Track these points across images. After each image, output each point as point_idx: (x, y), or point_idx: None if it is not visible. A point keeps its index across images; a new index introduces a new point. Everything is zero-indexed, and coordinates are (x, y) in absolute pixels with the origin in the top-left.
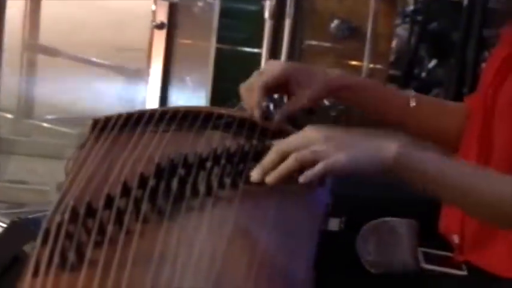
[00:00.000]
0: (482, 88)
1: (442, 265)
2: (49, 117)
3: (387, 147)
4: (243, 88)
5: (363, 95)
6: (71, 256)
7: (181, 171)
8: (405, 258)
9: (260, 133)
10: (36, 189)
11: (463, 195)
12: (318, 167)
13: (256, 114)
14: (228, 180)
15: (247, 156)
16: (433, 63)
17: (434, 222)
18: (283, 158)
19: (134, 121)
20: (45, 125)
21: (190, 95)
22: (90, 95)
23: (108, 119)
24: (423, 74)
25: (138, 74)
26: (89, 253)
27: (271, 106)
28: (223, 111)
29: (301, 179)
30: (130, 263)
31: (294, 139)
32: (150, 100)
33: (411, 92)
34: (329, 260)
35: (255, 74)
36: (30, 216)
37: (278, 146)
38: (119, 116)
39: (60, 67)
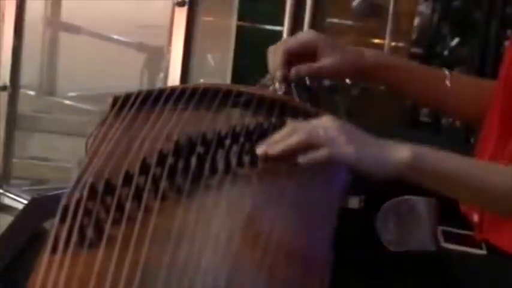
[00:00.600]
0: (503, 68)
1: (462, 244)
2: (71, 94)
3: (400, 153)
4: (270, 50)
5: (399, 75)
6: (90, 233)
7: (199, 149)
8: (425, 236)
9: (279, 111)
10: (58, 166)
11: (480, 195)
12: (322, 152)
13: (277, 75)
14: (246, 158)
15: (266, 134)
16: (455, 41)
17: (455, 200)
18: (291, 133)
19: (154, 98)
20: (66, 102)
21: (211, 72)
22: (112, 72)
23: (128, 96)
24: (445, 52)
25: (160, 51)
26: (107, 230)
27: (293, 85)
28: (242, 89)
29: (301, 159)
30: (148, 241)
31: (310, 123)
32: (171, 78)
33: (445, 71)
34: (348, 238)
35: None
36: (50, 193)
37: (293, 124)
38: (139, 93)
39: (82, 44)
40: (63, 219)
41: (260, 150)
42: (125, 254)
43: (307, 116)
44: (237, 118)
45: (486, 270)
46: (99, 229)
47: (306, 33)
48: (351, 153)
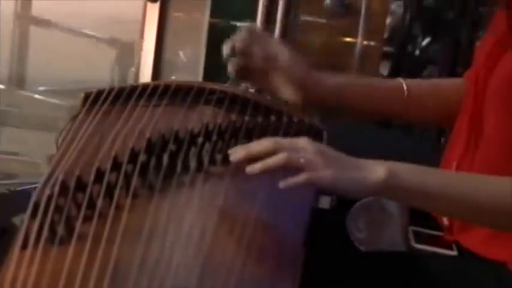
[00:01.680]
0: (474, 70)
1: (432, 245)
2: (41, 88)
3: (375, 172)
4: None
5: (358, 99)
6: (60, 230)
7: (172, 146)
8: (395, 237)
9: (252, 109)
10: (27, 161)
11: (461, 207)
12: (303, 176)
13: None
14: (219, 157)
15: (238, 132)
16: (426, 40)
17: None
18: (272, 152)
19: (126, 95)
20: (36, 96)
21: (182, 68)
22: (83, 67)
23: (100, 92)
24: (417, 52)
25: (131, 46)
26: (78, 227)
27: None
28: (215, 86)
29: (282, 184)
30: (120, 238)
31: (289, 141)
32: (143, 73)
33: (402, 83)
34: (319, 237)
35: None
36: (19, 188)
37: (273, 141)
38: (111, 89)
39: (52, 39)
40: (33, 215)
41: (236, 157)
42: (96, 251)
43: (279, 114)
44: (209, 116)
45: (456, 270)
46: (69, 226)
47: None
48: (329, 177)
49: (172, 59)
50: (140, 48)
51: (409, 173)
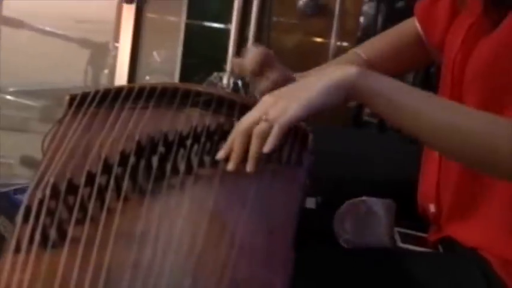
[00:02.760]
0: (449, 56)
1: (419, 245)
2: (12, 89)
3: (345, 71)
4: (249, 48)
5: None
6: (52, 233)
7: (161, 149)
8: (382, 237)
9: (239, 111)
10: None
11: (425, 121)
12: (274, 129)
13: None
14: (208, 159)
15: (227, 134)
16: None
17: (411, 203)
18: (247, 137)
19: (112, 97)
20: (8, 97)
21: (157, 70)
22: (54, 68)
23: (85, 95)
24: None
25: (105, 47)
26: (70, 231)
27: (240, 83)
28: (200, 88)
29: (265, 148)
30: (112, 242)
31: (250, 112)
32: (119, 74)
33: (354, 50)
34: (305, 237)
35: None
36: None
37: (238, 128)
38: (96, 91)
39: (23, 39)
40: (26, 219)
41: (231, 166)
42: (89, 255)
43: None
44: (197, 118)
45: (440, 267)
46: (61, 229)
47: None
48: (295, 107)
49: (147, 60)
50: (114, 49)
51: (383, 78)
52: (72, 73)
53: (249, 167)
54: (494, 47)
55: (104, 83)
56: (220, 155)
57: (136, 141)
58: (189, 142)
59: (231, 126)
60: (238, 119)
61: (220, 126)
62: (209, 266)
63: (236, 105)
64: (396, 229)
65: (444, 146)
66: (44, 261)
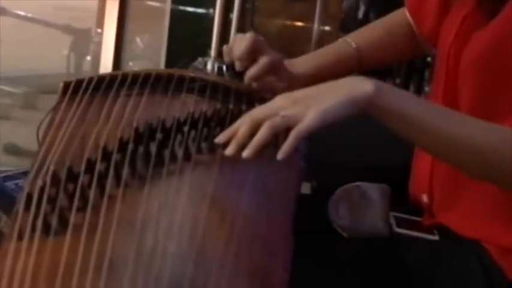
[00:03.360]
0: (443, 49)
1: (414, 229)
2: None
3: (362, 87)
4: (237, 37)
5: (323, 73)
6: (54, 221)
7: (159, 135)
8: (377, 222)
9: (235, 97)
10: None
11: (441, 139)
12: (291, 137)
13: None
14: (206, 145)
15: (224, 120)
16: None
17: (406, 188)
18: (255, 128)
19: (106, 84)
20: None
21: (141, 56)
22: (35, 54)
23: (79, 82)
24: None
25: (87, 33)
26: (72, 218)
27: (224, 68)
28: (194, 74)
29: (279, 155)
30: (114, 229)
31: (264, 107)
32: (104, 61)
33: (345, 39)
34: (301, 223)
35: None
36: None
37: (249, 117)
38: (91, 78)
39: (4, 25)
40: (27, 207)
41: (230, 151)
42: (91, 242)
43: (263, 102)
44: (193, 104)
45: (436, 254)
46: (63, 217)
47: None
48: (314, 118)
49: (130, 46)
50: (97, 36)
51: (399, 93)
52: (54, 60)
53: (247, 153)
54: (489, 39)
55: (86, 69)
56: (221, 138)
57: (134, 128)
58: (186, 128)
59: (227, 112)
60: (234, 105)
61: (217, 112)
62: (210, 253)
63: (231, 91)
64: (391, 213)
65: (458, 162)
66: (47, 249)
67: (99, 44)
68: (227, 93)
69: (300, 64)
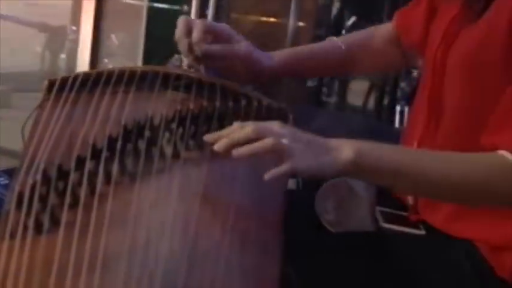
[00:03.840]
0: (430, 50)
1: (400, 224)
2: None
3: (345, 154)
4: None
5: (303, 66)
6: (46, 219)
7: (147, 133)
8: (364, 217)
9: (221, 94)
10: None
11: (429, 187)
12: (285, 167)
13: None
14: (194, 142)
15: (211, 117)
16: (351, 20)
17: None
18: (254, 137)
19: (92, 82)
20: None
21: (116, 53)
22: (9, 52)
23: (64, 79)
24: (343, 32)
25: (61, 31)
26: (64, 216)
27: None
28: (179, 71)
29: (267, 176)
30: (107, 226)
31: (267, 126)
32: (81, 58)
33: (333, 38)
34: (288, 218)
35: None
36: None
37: (254, 127)
38: (76, 76)
39: None
40: (19, 206)
41: (221, 147)
42: (84, 240)
43: (249, 99)
44: (180, 102)
45: (426, 248)
46: (54, 215)
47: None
48: (304, 166)
49: (105, 43)
50: (72, 33)
51: (376, 151)
52: (28, 57)
53: (240, 152)
54: (476, 37)
55: (61, 67)
56: (211, 138)
57: (123, 126)
58: (174, 126)
59: (214, 110)
60: (220, 102)
61: (204, 109)
62: (204, 250)
63: (216, 87)
64: (377, 208)
65: (455, 199)
66: (40, 247)
67: (74, 42)
68: (213, 90)
69: (273, 56)
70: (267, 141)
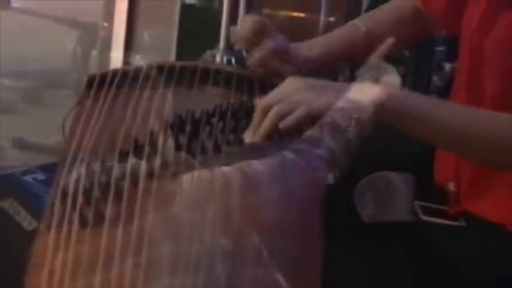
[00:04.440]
0: (465, 37)
1: (441, 217)
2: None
3: (375, 91)
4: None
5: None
6: (90, 213)
7: (188, 127)
8: (402, 211)
9: (260, 89)
10: None
11: (456, 136)
12: (299, 111)
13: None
14: (234, 136)
15: (251, 112)
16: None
17: (430, 177)
18: (266, 114)
19: (131, 77)
20: None
21: (148, 49)
22: (41, 49)
23: (103, 75)
24: None
25: (93, 27)
26: (108, 210)
27: (233, 60)
28: (218, 66)
29: (281, 124)
30: (150, 220)
31: (275, 93)
32: (114, 55)
33: (353, 22)
34: (326, 212)
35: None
36: (6, 173)
37: (261, 104)
38: (115, 71)
39: (9, 19)
40: (63, 200)
41: (247, 139)
42: (129, 234)
43: None
44: (220, 96)
45: (464, 240)
46: (99, 209)
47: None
48: (324, 104)
49: (140, 40)
50: (104, 29)
51: (407, 95)
52: (59, 54)
53: (257, 136)
54: None
55: (93, 63)
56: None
57: (164, 121)
58: (214, 120)
59: (253, 104)
60: (260, 96)
61: (244, 103)
62: (245, 244)
63: (255, 82)
64: (416, 202)
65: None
66: (85, 241)
67: (106, 38)
68: (251, 84)
69: (307, 48)
70: (270, 115)
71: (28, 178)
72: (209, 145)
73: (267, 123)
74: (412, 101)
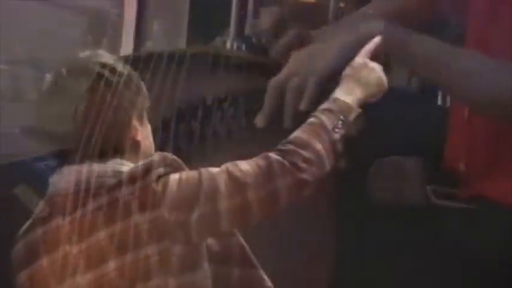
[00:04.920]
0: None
1: (452, 200)
2: (9, 59)
3: (371, 25)
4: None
5: None
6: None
7: (200, 112)
8: (414, 194)
9: (270, 73)
10: (2, 132)
11: (452, 69)
12: (309, 87)
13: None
14: (246, 121)
15: (262, 97)
16: None
17: (440, 159)
18: (279, 93)
19: (143, 63)
20: (3, 66)
21: (162, 36)
22: (52, 37)
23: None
24: None
25: (104, 15)
26: None
27: (244, 47)
28: (229, 53)
29: (302, 106)
30: None
31: (283, 72)
32: (125, 42)
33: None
34: (339, 196)
35: None
36: (19, 159)
37: (272, 83)
38: (126, 57)
39: (18, 8)
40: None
41: (260, 123)
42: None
43: None
44: (232, 81)
45: (477, 223)
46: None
47: None
48: (327, 63)
49: (150, 27)
50: (115, 16)
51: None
52: (69, 42)
53: (286, 122)
54: None
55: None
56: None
57: (176, 107)
58: (226, 105)
59: (264, 89)
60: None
61: (255, 88)
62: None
63: (265, 67)
64: (428, 187)
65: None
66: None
67: (116, 25)
68: (262, 70)
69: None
70: (288, 98)
71: (40, 164)
72: (221, 130)
73: (289, 106)
74: (413, 35)
